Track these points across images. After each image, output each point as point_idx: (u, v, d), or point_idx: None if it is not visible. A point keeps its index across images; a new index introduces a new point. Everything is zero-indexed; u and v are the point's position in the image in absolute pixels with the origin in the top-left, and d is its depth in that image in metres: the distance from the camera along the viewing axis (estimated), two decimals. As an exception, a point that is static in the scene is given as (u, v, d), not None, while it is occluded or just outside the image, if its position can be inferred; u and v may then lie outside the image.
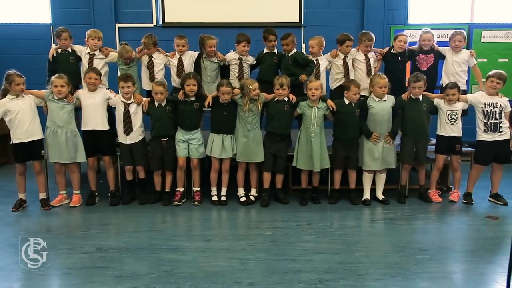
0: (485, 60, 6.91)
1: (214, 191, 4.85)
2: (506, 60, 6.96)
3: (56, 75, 4.58)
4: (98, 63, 5.01)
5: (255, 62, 5.18)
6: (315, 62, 5.04)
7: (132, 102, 4.68)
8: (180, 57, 5.12)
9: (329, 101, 4.70)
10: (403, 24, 6.91)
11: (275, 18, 6.81)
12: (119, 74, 5.06)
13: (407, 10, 6.97)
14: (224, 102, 4.65)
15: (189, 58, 5.15)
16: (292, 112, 4.73)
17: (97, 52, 5.05)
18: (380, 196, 4.86)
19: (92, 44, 5.02)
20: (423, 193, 4.92)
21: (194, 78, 4.64)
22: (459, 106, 4.73)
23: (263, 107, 4.73)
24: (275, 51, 5.11)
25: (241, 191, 4.87)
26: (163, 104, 4.72)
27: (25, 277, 3.20)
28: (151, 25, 6.90)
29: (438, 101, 4.79)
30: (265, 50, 5.13)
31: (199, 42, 5.05)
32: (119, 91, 4.74)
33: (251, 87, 4.54)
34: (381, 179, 4.85)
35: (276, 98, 4.68)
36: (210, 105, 4.70)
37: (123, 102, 4.66)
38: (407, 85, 4.85)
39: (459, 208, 4.73)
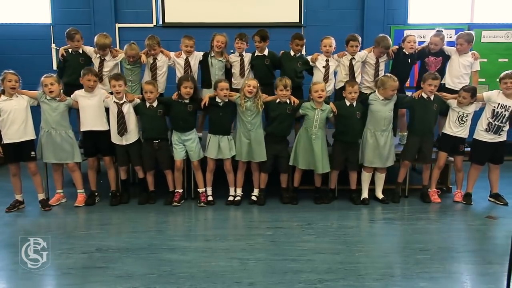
0: (485, 60, 6.90)
1: (209, 191, 4.86)
2: (506, 60, 6.94)
3: (45, 75, 4.56)
4: (107, 65, 5.00)
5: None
6: (326, 62, 5.02)
7: (125, 102, 4.64)
8: (187, 58, 5.09)
9: (331, 104, 4.69)
10: (403, 24, 6.90)
11: (275, 18, 6.81)
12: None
13: (407, 10, 6.95)
14: (220, 103, 4.66)
15: (195, 59, 5.14)
16: (294, 114, 4.73)
17: (107, 57, 5.02)
18: (379, 195, 4.86)
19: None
20: (424, 193, 4.92)
21: (191, 81, 4.65)
22: (471, 110, 4.71)
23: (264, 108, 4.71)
24: (266, 53, 5.11)
25: (238, 191, 4.87)
26: (155, 105, 4.71)
27: (25, 277, 3.20)
28: (151, 25, 6.89)
29: (451, 101, 4.76)
30: (256, 53, 5.15)
31: (211, 38, 5.06)
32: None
33: (247, 82, 4.56)
34: (381, 179, 4.85)
35: (278, 100, 4.68)
36: (207, 105, 4.69)
37: (116, 103, 4.61)
38: (420, 82, 4.75)
39: (459, 208, 4.72)
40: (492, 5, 7.02)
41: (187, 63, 5.08)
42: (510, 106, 4.58)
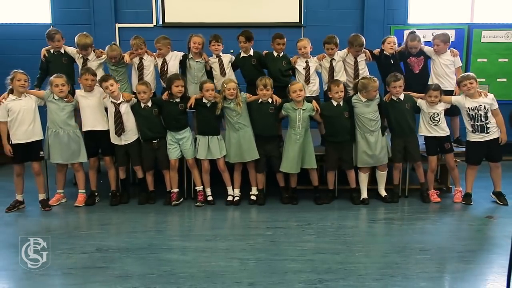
0: (485, 60, 6.91)
1: (208, 191, 4.86)
2: (506, 60, 6.94)
3: (55, 75, 4.58)
4: (91, 65, 4.96)
5: (233, 62, 5.16)
6: (306, 64, 5.04)
7: (122, 101, 4.63)
8: (164, 58, 5.07)
9: (313, 102, 4.70)
10: (403, 24, 6.90)
11: (275, 18, 6.81)
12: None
13: (407, 10, 6.95)
14: (207, 103, 4.66)
15: (174, 58, 5.10)
16: (277, 113, 4.73)
17: (90, 57, 5.01)
18: (382, 193, 4.86)
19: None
20: (423, 192, 4.91)
21: (182, 79, 4.66)
22: (440, 108, 4.73)
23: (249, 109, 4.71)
24: (251, 53, 5.11)
25: (236, 192, 4.86)
26: (149, 105, 4.71)
27: (25, 277, 3.21)
28: (151, 25, 6.89)
29: (421, 103, 4.79)
30: (242, 54, 5.14)
31: (188, 40, 5.05)
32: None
33: (226, 86, 4.56)
34: (382, 177, 4.86)
35: (260, 100, 4.68)
36: (193, 106, 4.69)
37: (113, 102, 4.61)
38: (387, 86, 4.79)
39: (459, 208, 4.72)
40: (492, 5, 7.01)
41: (163, 62, 5.07)
42: (481, 105, 4.60)
